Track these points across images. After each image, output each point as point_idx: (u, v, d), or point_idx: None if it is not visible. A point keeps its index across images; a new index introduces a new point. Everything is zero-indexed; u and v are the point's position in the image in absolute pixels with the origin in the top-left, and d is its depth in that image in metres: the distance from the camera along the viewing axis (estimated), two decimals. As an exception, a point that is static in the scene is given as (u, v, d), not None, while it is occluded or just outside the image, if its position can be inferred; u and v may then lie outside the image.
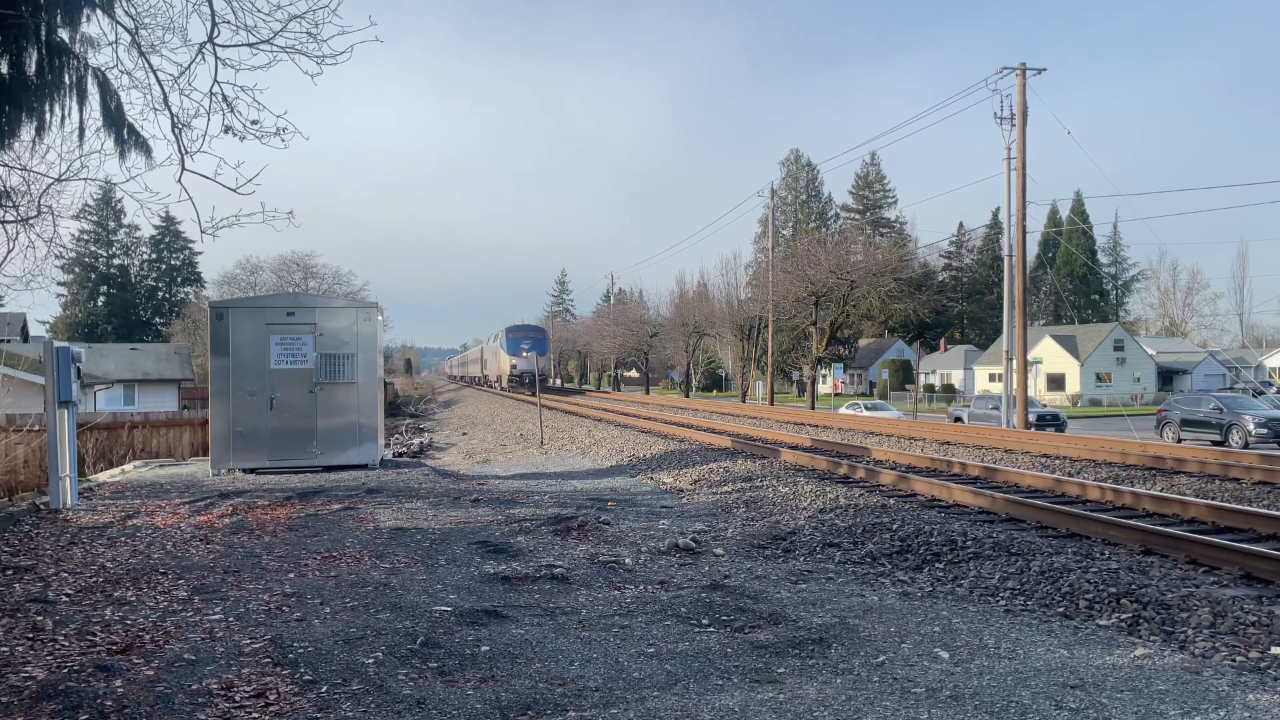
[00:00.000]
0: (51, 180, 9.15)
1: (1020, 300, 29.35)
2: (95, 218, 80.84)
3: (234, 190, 7.89)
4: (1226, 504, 10.05)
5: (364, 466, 15.43)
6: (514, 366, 51.14)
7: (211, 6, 7.72)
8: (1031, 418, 33.52)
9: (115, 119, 8.05)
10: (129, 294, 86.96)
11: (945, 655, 5.37)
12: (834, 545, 9.12)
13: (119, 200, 78.64)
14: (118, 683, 4.79)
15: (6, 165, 8.75)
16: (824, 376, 70.26)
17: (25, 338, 42.41)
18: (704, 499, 12.83)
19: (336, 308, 16.36)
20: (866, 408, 40.99)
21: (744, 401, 58.09)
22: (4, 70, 7.53)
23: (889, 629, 5.98)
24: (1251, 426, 26.55)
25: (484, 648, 5.53)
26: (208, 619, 6.12)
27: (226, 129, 7.89)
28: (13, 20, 7.14)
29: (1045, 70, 29.55)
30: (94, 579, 7.36)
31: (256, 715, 4.42)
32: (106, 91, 8.00)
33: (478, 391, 65.41)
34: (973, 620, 6.27)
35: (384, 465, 16.12)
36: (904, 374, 76.97)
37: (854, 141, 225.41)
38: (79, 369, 12.16)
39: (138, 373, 42.87)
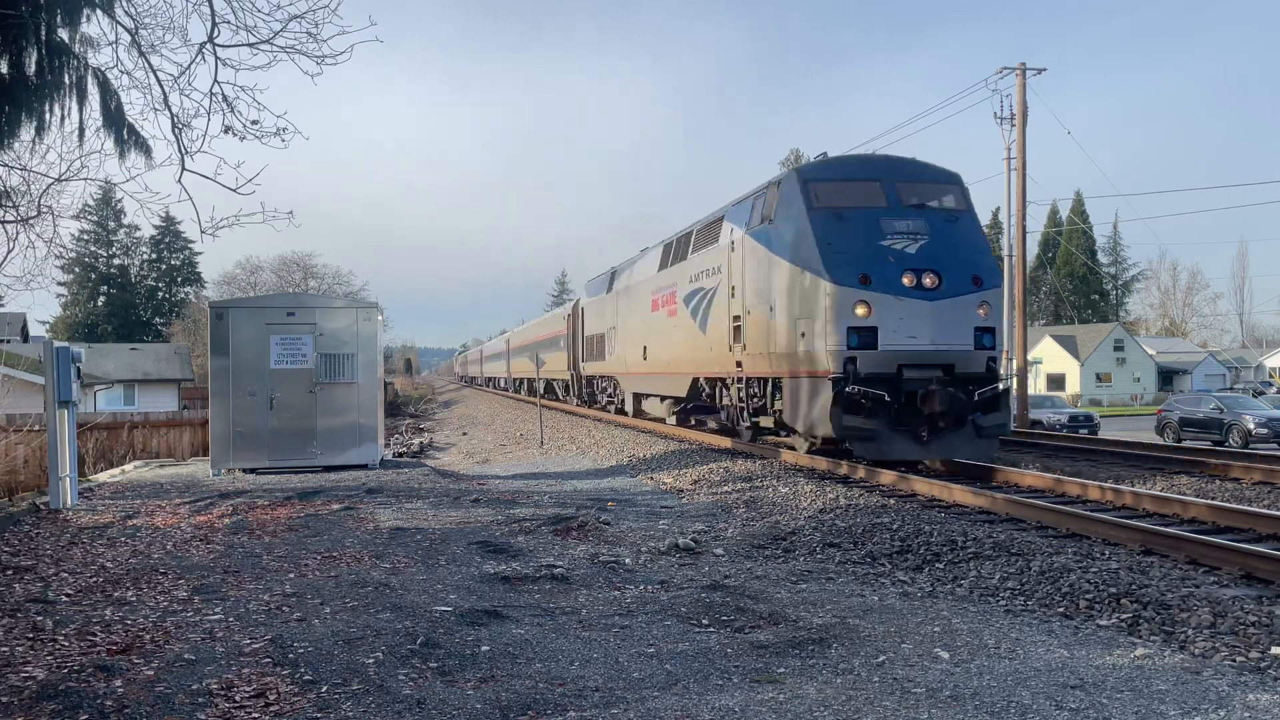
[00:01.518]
0: (51, 180, 9.18)
1: (1020, 300, 29.36)
2: (95, 218, 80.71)
3: (234, 190, 7.92)
4: (1226, 504, 10.04)
5: (364, 466, 15.43)
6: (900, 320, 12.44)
7: (211, 6, 7.75)
8: (1064, 419, 33.14)
9: (115, 119, 8.07)
10: (129, 294, 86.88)
11: (945, 655, 5.37)
12: (834, 545, 9.11)
13: (119, 200, 78.49)
14: (118, 683, 4.79)
15: (6, 165, 8.77)
16: (824, 376, 70.13)
17: (25, 338, 42.36)
18: (704, 499, 12.83)
19: (336, 308, 16.38)
20: None
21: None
22: (4, 70, 7.54)
23: (889, 629, 5.97)
24: (1251, 426, 26.55)
25: (484, 648, 5.53)
26: (208, 619, 6.12)
27: (226, 129, 7.91)
28: (13, 20, 7.15)
29: (1045, 70, 29.60)
30: (94, 579, 7.36)
31: (257, 715, 4.42)
32: (106, 91, 8.02)
33: (481, 393, 63.02)
34: (973, 620, 6.27)
35: (384, 465, 16.12)
36: (904, 374, 76.87)
37: (854, 141, 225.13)
38: (79, 369, 12.17)
39: (138, 373, 42.91)
